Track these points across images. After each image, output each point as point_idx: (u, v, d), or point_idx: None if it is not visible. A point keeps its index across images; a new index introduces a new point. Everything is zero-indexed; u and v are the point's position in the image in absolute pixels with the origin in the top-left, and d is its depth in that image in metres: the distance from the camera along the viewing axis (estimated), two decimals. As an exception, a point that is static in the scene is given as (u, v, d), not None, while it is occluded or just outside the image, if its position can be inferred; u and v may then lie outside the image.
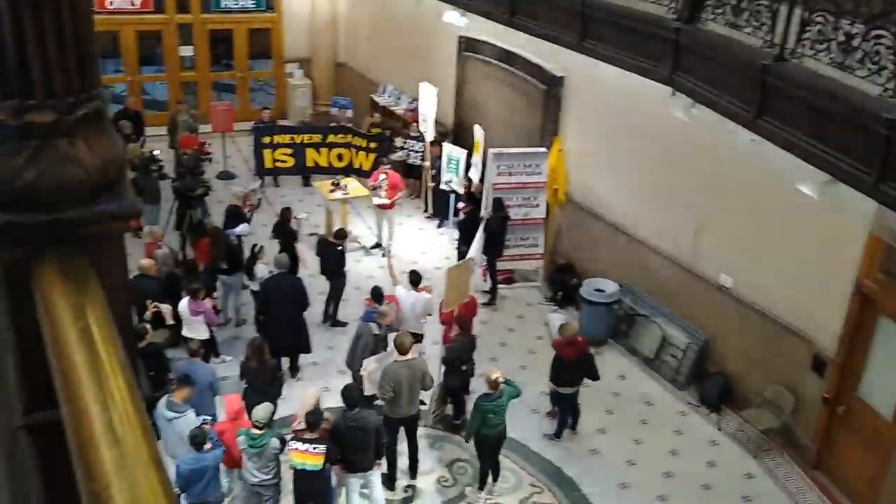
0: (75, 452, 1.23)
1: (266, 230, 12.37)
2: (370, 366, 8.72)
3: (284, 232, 11.67)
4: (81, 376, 1.32)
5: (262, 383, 8.64)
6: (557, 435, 9.56)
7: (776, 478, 9.07)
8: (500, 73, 13.80)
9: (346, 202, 13.82)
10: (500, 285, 12.50)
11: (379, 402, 8.47)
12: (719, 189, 9.86)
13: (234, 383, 9.33)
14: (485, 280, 12.40)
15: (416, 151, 15.00)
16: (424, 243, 14.19)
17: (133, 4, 17.82)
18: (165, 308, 9.49)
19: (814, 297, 8.89)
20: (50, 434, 1.66)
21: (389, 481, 8.62)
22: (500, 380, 8.27)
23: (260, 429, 7.32)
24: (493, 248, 12.02)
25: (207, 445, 7.19)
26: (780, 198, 8.83)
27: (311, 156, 15.40)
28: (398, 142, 15.35)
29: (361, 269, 12.98)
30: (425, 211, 15.17)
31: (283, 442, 7.46)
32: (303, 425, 7.44)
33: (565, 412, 9.58)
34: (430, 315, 10.05)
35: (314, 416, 7.37)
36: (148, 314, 9.33)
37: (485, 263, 12.26)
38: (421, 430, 9.33)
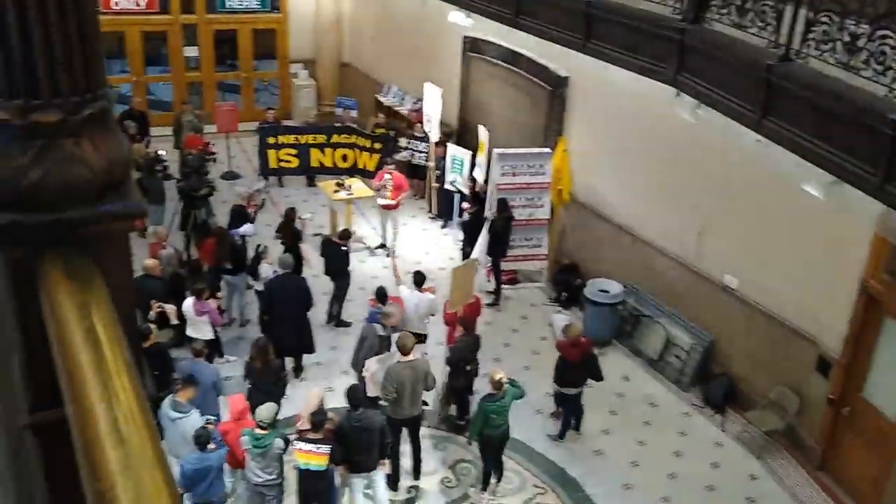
0: (80, 452, 1.23)
1: (270, 230, 12.38)
2: (372, 367, 8.73)
3: (289, 232, 11.68)
4: (86, 376, 1.32)
5: (266, 383, 8.64)
6: (561, 436, 9.56)
7: (780, 479, 9.05)
8: (505, 74, 13.80)
9: (351, 202, 13.83)
10: (504, 286, 12.49)
11: (383, 402, 8.47)
12: (724, 190, 9.84)
13: (238, 383, 9.34)
14: (489, 281, 12.39)
15: (421, 152, 15.01)
16: (428, 244, 14.19)
17: (138, 5, 17.85)
18: (170, 308, 9.50)
19: (819, 299, 8.87)
20: (55, 433, 1.66)
21: (393, 482, 8.62)
22: (504, 380, 8.27)
23: (264, 429, 7.33)
24: (497, 249, 12.01)
25: (211, 445, 7.20)
26: (785, 199, 8.82)
27: (315, 156, 15.42)
28: (402, 142, 15.35)
29: (366, 269, 12.99)
30: (429, 211, 15.17)
31: (287, 442, 7.47)
32: (307, 425, 7.44)
33: (569, 413, 9.57)
34: (433, 315, 10.05)
35: (318, 417, 7.37)
36: (152, 314, 9.34)
37: (489, 264, 12.27)
38: (424, 431, 9.33)
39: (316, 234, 13.24)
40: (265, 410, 7.41)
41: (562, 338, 9.58)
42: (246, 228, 11.71)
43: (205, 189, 12.66)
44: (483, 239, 11.58)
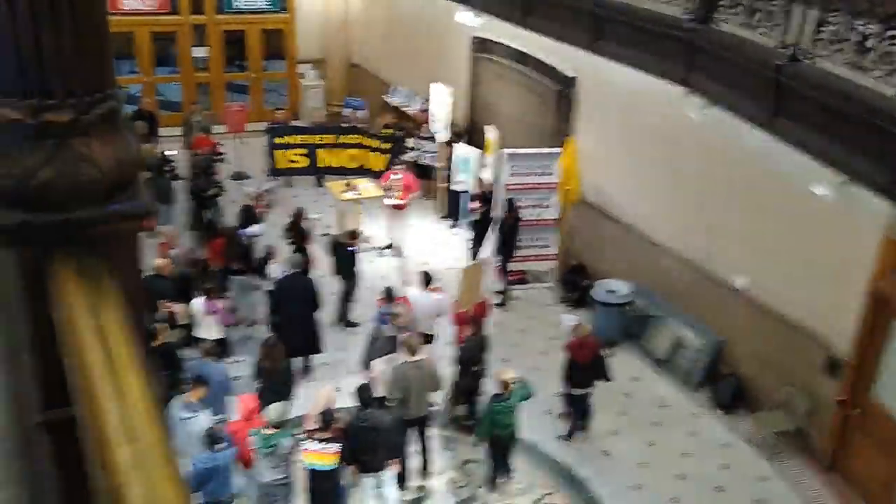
0: (91, 449, 1.24)
1: (279, 230, 12.40)
2: (379, 366, 8.74)
3: (297, 232, 11.70)
4: (97, 374, 1.33)
5: (275, 383, 8.66)
6: (570, 436, 9.55)
7: (790, 480, 9.01)
8: (513, 74, 13.80)
9: (359, 203, 13.84)
10: (512, 286, 12.49)
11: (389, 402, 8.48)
12: (733, 190, 9.81)
13: (246, 383, 9.36)
14: (497, 281, 12.39)
15: (429, 152, 15.01)
16: (437, 244, 14.19)
17: (147, 6, 17.91)
18: (179, 308, 9.53)
19: (828, 299, 8.84)
20: (65, 431, 1.68)
21: (401, 481, 8.62)
22: (512, 380, 8.27)
23: (273, 428, 7.34)
24: (505, 249, 12.01)
25: (220, 445, 7.22)
26: (794, 199, 8.79)
27: (323, 156, 15.45)
28: (411, 142, 15.36)
29: (374, 269, 13.00)
30: (438, 212, 15.17)
31: (296, 442, 7.48)
32: (315, 425, 7.46)
33: (578, 413, 9.56)
34: (441, 315, 10.05)
35: (327, 416, 7.38)
36: (161, 314, 9.37)
37: (497, 264, 12.26)
38: (433, 431, 9.34)
39: (324, 235, 13.25)
40: (274, 410, 7.43)
41: (571, 338, 9.57)
42: (254, 229, 11.74)
43: (213, 189, 12.70)
44: (491, 239, 11.58)
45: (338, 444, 7.37)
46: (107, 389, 1.29)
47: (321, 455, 7.36)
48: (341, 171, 15.13)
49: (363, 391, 7.82)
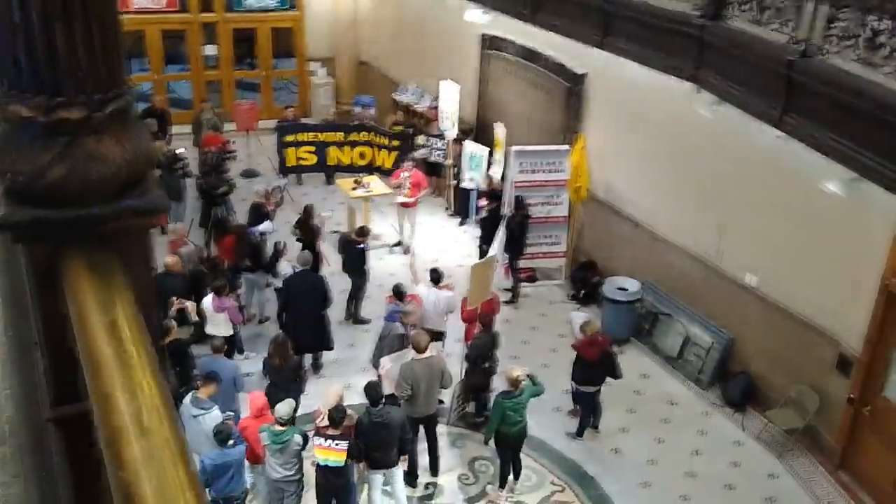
0: (104, 443, 1.25)
1: (289, 228, 12.42)
2: (386, 364, 8.75)
3: (307, 229, 11.72)
4: (109, 369, 1.34)
5: (285, 380, 8.69)
6: (579, 434, 9.54)
7: (800, 478, 8.99)
8: (523, 71, 13.78)
9: (369, 200, 13.86)
10: (522, 283, 12.48)
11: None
12: (743, 187, 9.78)
13: (257, 380, 9.40)
14: (507, 278, 12.39)
15: (439, 149, 15.02)
16: (446, 241, 14.20)
17: (158, 4, 17.97)
18: (190, 305, 9.56)
19: (839, 297, 8.80)
20: (77, 426, 1.69)
21: (411, 478, 8.64)
22: (522, 378, 8.27)
23: (282, 425, 7.37)
24: (514, 246, 12.01)
25: (231, 441, 7.25)
26: (805, 195, 8.76)
27: (333, 154, 15.47)
28: (420, 140, 15.37)
29: (384, 267, 13.01)
30: (447, 209, 15.18)
31: (306, 438, 7.51)
32: (325, 422, 7.48)
33: (587, 411, 9.55)
34: (451, 312, 10.06)
35: (337, 413, 7.40)
36: (172, 311, 9.40)
37: (506, 261, 12.26)
38: (442, 428, 9.35)
39: (334, 232, 13.28)
40: (284, 407, 7.45)
41: (580, 336, 9.56)
42: (264, 226, 11.77)
43: (224, 187, 12.73)
44: (500, 236, 11.57)
45: (347, 441, 7.39)
46: (118, 385, 1.30)
47: (331, 451, 7.37)
48: (351, 169, 15.14)
49: (372, 388, 7.83)
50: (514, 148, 12.55)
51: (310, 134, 15.50)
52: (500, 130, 13.24)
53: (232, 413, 8.09)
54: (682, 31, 8.42)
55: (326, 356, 10.54)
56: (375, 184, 14.05)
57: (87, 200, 1.61)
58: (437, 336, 9.89)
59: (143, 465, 1.16)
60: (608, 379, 9.41)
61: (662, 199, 11.20)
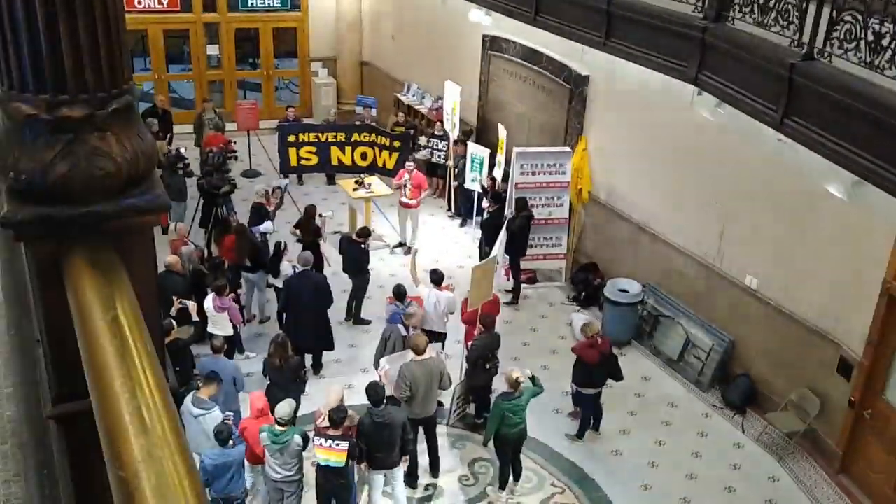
0: (104, 440, 1.25)
1: (290, 228, 12.43)
2: (385, 365, 8.76)
3: (308, 229, 11.73)
4: (111, 366, 1.34)
5: (286, 380, 8.69)
6: (580, 435, 9.54)
7: (800, 481, 8.98)
8: (525, 72, 13.78)
9: (370, 201, 13.86)
10: (523, 285, 12.48)
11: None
12: (745, 189, 9.78)
13: (257, 380, 9.40)
14: (508, 279, 12.39)
15: (440, 150, 15.03)
16: (447, 242, 14.20)
17: (161, 3, 17.99)
18: (191, 304, 9.57)
19: (841, 299, 8.80)
20: (78, 424, 1.69)
21: (411, 479, 8.64)
22: (522, 379, 8.26)
23: (283, 425, 7.37)
24: (516, 248, 12.01)
25: (231, 441, 7.25)
26: (806, 198, 8.76)
27: (335, 154, 15.46)
28: (422, 140, 15.38)
29: (385, 267, 13.02)
30: (449, 210, 15.19)
31: (306, 439, 7.51)
32: (326, 422, 7.48)
33: (587, 413, 9.54)
34: (452, 313, 10.06)
35: (338, 414, 7.40)
36: (173, 310, 9.41)
37: (507, 263, 12.26)
38: (442, 429, 9.36)
39: (335, 232, 13.29)
40: (284, 407, 7.45)
41: (581, 338, 9.55)
42: (265, 226, 11.77)
43: (226, 186, 12.73)
44: (501, 238, 11.57)
45: (348, 441, 7.38)
46: (120, 380, 1.30)
47: (332, 452, 7.37)
48: (352, 169, 15.14)
49: (374, 389, 7.82)
50: (516, 149, 12.55)
51: (311, 134, 15.49)
52: (502, 131, 13.24)
53: (232, 413, 8.09)
54: (684, 33, 8.41)
55: (327, 356, 10.54)
56: (377, 184, 14.06)
57: (90, 198, 1.61)
58: (438, 337, 9.89)
59: (143, 463, 1.16)
60: (610, 381, 9.41)
61: (664, 202, 11.20)
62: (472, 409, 9.79)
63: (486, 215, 12.92)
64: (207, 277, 10.42)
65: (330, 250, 12.03)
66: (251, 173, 16.29)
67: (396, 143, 15.14)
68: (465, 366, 9.49)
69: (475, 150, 13.79)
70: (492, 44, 14.60)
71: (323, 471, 7.52)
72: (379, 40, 19.32)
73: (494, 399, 8.57)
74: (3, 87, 1.62)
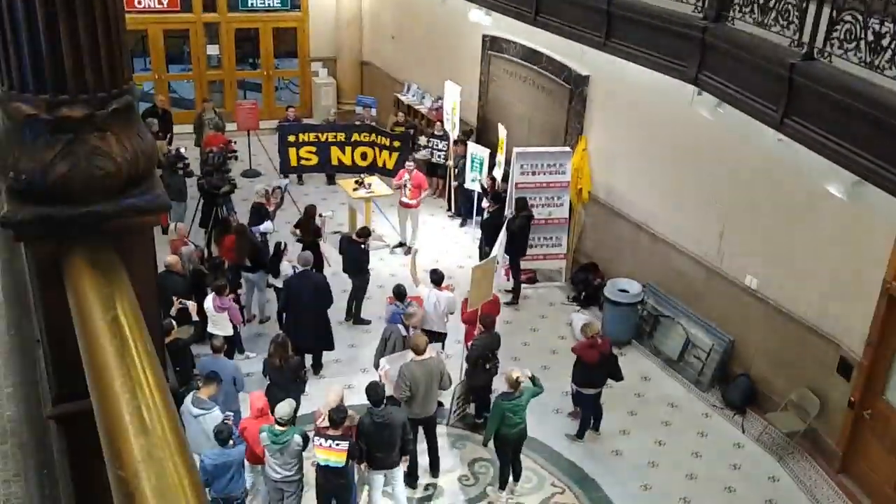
0: (104, 440, 1.25)
1: (290, 228, 12.43)
2: (385, 365, 8.76)
3: (308, 228, 11.73)
4: (111, 365, 1.34)
5: (285, 380, 8.69)
6: (580, 435, 9.54)
7: (801, 481, 8.98)
8: (525, 72, 13.78)
9: (370, 201, 13.87)
10: (523, 285, 12.48)
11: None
12: (745, 189, 9.78)
13: (257, 380, 9.40)
14: (508, 279, 12.39)
15: (440, 150, 15.03)
16: (447, 242, 14.21)
17: (161, 3, 18.00)
18: (191, 304, 9.57)
19: (841, 299, 8.79)
20: (78, 424, 1.69)
21: (411, 479, 8.64)
22: (522, 379, 8.26)
23: (283, 425, 7.37)
24: (516, 248, 12.01)
25: (231, 441, 7.25)
26: (806, 198, 8.76)
27: (335, 154, 15.46)
28: (422, 140, 15.38)
29: (385, 267, 13.03)
30: (448, 210, 15.19)
31: (306, 439, 7.51)
32: (326, 422, 7.48)
33: (587, 413, 9.54)
34: (452, 313, 10.06)
35: (338, 414, 7.40)
36: (173, 310, 9.41)
37: (508, 263, 12.26)
38: (442, 429, 9.36)
39: (335, 232, 13.29)
40: (284, 407, 7.45)
41: (580, 338, 9.55)
42: (265, 226, 11.77)
43: (226, 187, 12.74)
44: (501, 238, 11.57)
45: (348, 441, 7.38)
46: (120, 380, 1.30)
47: (332, 452, 7.37)
48: (352, 169, 15.14)
49: (374, 389, 7.82)
50: (516, 149, 12.55)
51: (311, 134, 15.49)
52: (502, 131, 13.24)
53: (232, 413, 8.09)
54: (684, 33, 8.41)
55: (327, 356, 10.54)
56: (377, 184, 14.06)
57: (90, 198, 1.61)
58: (438, 337, 9.89)
59: (143, 463, 1.16)
60: (609, 381, 9.41)
61: (664, 201, 11.20)
62: (472, 409, 9.79)
63: (486, 215, 12.92)
64: (207, 277, 10.42)
65: (330, 250, 12.04)
66: (251, 173, 16.30)
67: (396, 143, 15.14)
68: (465, 366, 9.49)
69: (475, 150, 13.79)
70: (492, 44, 14.60)
71: (323, 471, 7.52)
72: (379, 40, 19.32)
73: (494, 399, 8.57)
74: (3, 87, 1.62)
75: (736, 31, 7.80)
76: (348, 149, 15.42)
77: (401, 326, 9.26)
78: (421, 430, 8.65)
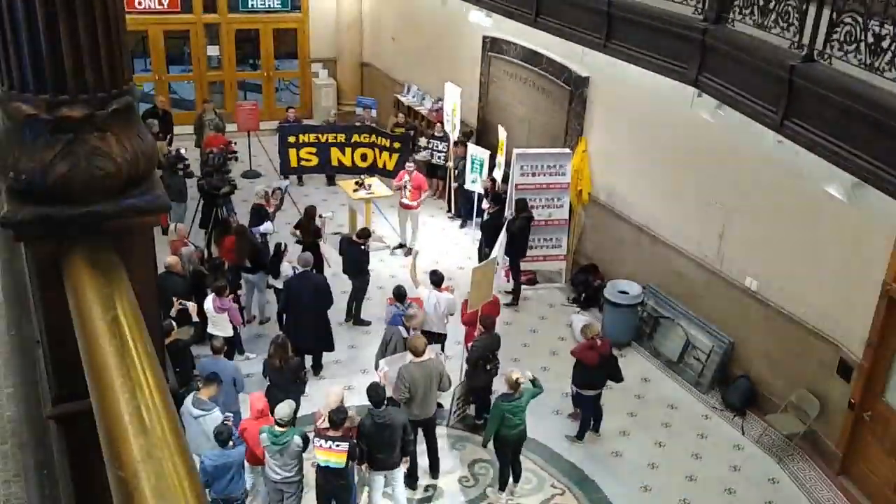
0: (103, 440, 1.25)
1: (290, 229, 12.43)
2: (384, 367, 8.76)
3: (308, 229, 11.73)
4: (110, 365, 1.34)
5: (285, 381, 8.69)
6: (580, 437, 9.53)
7: (800, 483, 8.98)
8: (525, 74, 13.79)
9: (370, 202, 13.87)
10: (522, 286, 12.48)
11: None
12: (745, 191, 9.79)
13: (257, 381, 9.39)
14: (508, 281, 12.39)
15: (440, 151, 15.03)
16: (447, 243, 14.21)
17: (161, 4, 18.01)
18: (191, 305, 9.57)
19: (840, 301, 8.80)
20: (78, 424, 1.69)
21: (411, 480, 8.64)
22: (522, 381, 8.26)
23: (282, 426, 7.37)
24: (516, 249, 12.01)
25: (231, 442, 7.25)
26: (806, 200, 8.76)
27: (335, 155, 15.45)
28: (422, 142, 15.38)
29: (385, 268, 13.03)
30: (448, 211, 15.19)
31: (306, 440, 7.50)
32: (326, 423, 7.48)
33: (588, 414, 9.54)
34: (452, 314, 10.06)
35: (338, 415, 7.40)
36: (173, 311, 9.41)
37: (507, 264, 12.26)
38: (442, 431, 9.36)
39: (335, 233, 13.29)
40: (284, 408, 7.45)
41: (580, 340, 9.55)
42: (265, 227, 11.77)
43: (226, 187, 12.74)
44: (501, 239, 11.57)
45: (347, 443, 7.38)
46: (120, 380, 1.30)
47: (332, 453, 7.37)
48: (353, 170, 15.13)
49: (375, 390, 7.82)
50: (516, 151, 12.56)
51: (311, 135, 15.47)
52: (502, 133, 13.24)
53: (231, 414, 8.08)
54: (684, 35, 8.41)
55: (327, 357, 10.54)
56: (377, 185, 14.06)
57: (90, 198, 1.61)
58: (438, 338, 9.88)
59: (143, 463, 1.16)
60: (609, 382, 9.41)
61: (664, 203, 11.21)
62: (472, 410, 9.79)
63: (486, 216, 12.92)
64: (207, 278, 10.42)
65: (330, 251, 12.04)
66: (251, 174, 16.30)
67: (396, 145, 15.14)
68: (465, 367, 9.49)
69: (475, 151, 13.79)
70: (492, 45, 14.60)
71: (323, 472, 7.52)
72: (379, 41, 19.33)
73: (494, 400, 8.56)
74: (3, 87, 1.62)
75: (736, 32, 7.80)
76: (348, 150, 15.41)
77: (402, 328, 9.25)
78: (420, 431, 8.65)
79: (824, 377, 9.05)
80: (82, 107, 1.57)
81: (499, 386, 9.15)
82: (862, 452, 8.74)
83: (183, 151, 13.65)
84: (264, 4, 18.93)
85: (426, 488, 8.79)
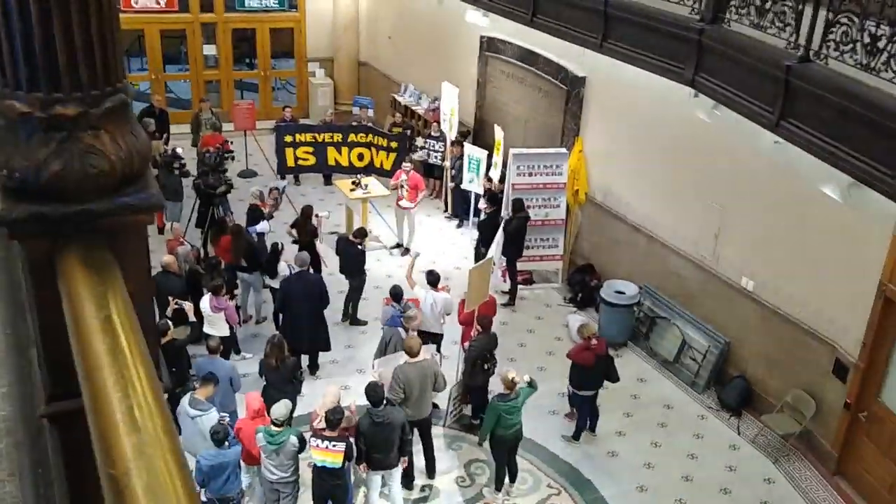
0: (95, 438, 1.25)
1: (287, 228, 12.42)
2: (378, 367, 8.76)
3: (304, 229, 11.72)
4: (103, 364, 1.34)
5: (282, 381, 8.68)
6: (576, 437, 9.54)
7: (796, 483, 9.00)
8: (522, 74, 13.80)
9: (367, 201, 13.86)
10: (519, 286, 12.48)
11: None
12: (741, 191, 9.80)
13: (254, 380, 9.39)
14: (504, 281, 12.39)
15: (437, 151, 15.03)
16: (444, 243, 14.21)
17: (158, 3, 17.98)
18: (187, 305, 9.56)
19: (837, 301, 8.81)
20: (72, 422, 1.68)
21: (407, 480, 8.63)
22: (518, 380, 8.27)
23: (279, 426, 7.36)
24: (512, 249, 12.01)
25: (227, 442, 7.24)
26: (803, 200, 8.77)
27: (332, 155, 15.45)
28: (419, 141, 15.38)
29: (381, 268, 13.02)
30: (445, 211, 15.19)
31: (303, 440, 7.50)
32: (322, 423, 7.47)
33: (584, 414, 9.55)
34: (449, 314, 10.06)
35: (335, 415, 7.40)
36: (170, 311, 9.40)
37: (504, 264, 12.26)
38: (438, 431, 9.36)
39: (332, 233, 13.28)
40: (280, 408, 7.45)
41: (577, 341, 9.55)
42: (261, 226, 11.76)
43: (223, 187, 12.73)
44: (498, 239, 11.58)
45: (344, 443, 7.38)
46: (112, 379, 1.30)
47: (328, 453, 7.37)
48: (350, 170, 15.12)
49: (373, 389, 7.81)
50: (512, 151, 12.56)
51: (308, 135, 15.46)
52: (498, 132, 13.25)
53: (228, 414, 8.08)
54: (680, 35, 8.43)
55: (323, 357, 10.53)
56: (374, 185, 14.05)
57: (84, 196, 1.61)
58: (434, 338, 9.88)
59: (134, 461, 1.15)
60: (605, 382, 9.41)
61: (660, 203, 11.22)
62: (468, 410, 9.79)
63: (482, 216, 12.92)
64: (204, 278, 10.41)
65: (326, 251, 12.03)
66: (248, 173, 16.28)
67: (393, 144, 15.13)
68: (461, 367, 9.49)
69: (472, 151, 13.79)
70: (489, 45, 14.61)
71: (319, 472, 7.52)
72: (376, 41, 19.33)
73: (491, 400, 8.57)
74: (-3, 85, 1.62)
75: (732, 33, 7.81)
76: (345, 149, 15.41)
77: (401, 329, 9.25)
78: (416, 432, 8.64)
79: (820, 377, 9.07)
80: (76, 104, 1.57)
81: (495, 386, 9.15)
82: (857, 452, 8.76)
83: (179, 150, 13.63)
84: (261, 4, 18.92)
85: (422, 488, 8.79)
